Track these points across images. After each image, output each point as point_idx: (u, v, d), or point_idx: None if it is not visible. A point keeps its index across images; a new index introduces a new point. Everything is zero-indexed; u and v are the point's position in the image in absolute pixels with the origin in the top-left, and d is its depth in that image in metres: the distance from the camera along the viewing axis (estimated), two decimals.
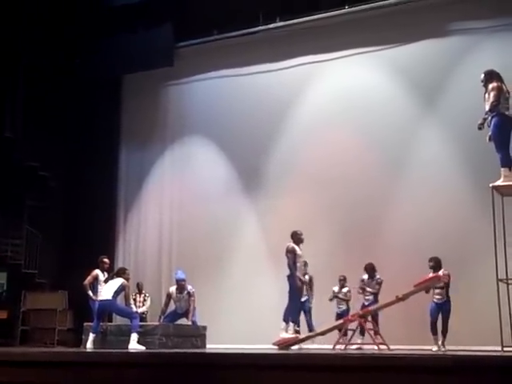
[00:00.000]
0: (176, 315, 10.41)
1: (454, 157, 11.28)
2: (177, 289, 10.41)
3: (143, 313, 12.37)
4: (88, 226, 13.68)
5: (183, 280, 10.38)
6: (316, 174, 12.18)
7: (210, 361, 4.33)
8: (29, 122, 13.42)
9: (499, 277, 7.73)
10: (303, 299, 10.13)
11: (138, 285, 12.63)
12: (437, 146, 11.45)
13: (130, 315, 9.58)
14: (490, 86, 7.88)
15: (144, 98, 14.18)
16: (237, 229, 12.90)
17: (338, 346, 9.45)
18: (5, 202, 13.46)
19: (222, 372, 4.04)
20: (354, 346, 9.71)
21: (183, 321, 10.46)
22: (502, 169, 7.79)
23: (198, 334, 10.13)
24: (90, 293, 10.37)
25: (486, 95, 7.93)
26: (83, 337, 9.75)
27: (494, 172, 9.77)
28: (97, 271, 10.57)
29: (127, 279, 9.85)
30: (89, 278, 10.43)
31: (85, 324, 9.97)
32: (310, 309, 10.56)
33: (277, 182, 12.66)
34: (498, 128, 7.73)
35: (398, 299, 9.30)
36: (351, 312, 10.37)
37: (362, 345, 9.94)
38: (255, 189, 12.87)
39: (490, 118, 7.78)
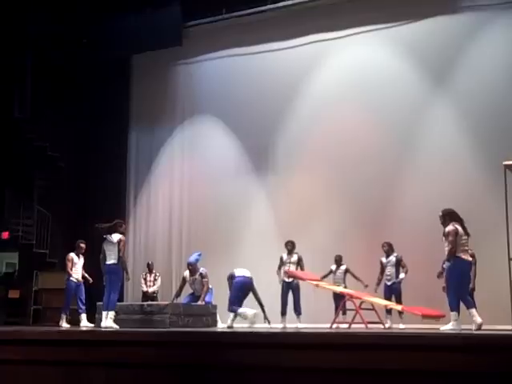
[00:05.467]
0: (195, 298, 10.42)
1: (465, 134, 11.21)
2: (189, 272, 10.47)
3: (154, 292, 12.46)
4: (98, 206, 13.70)
5: (190, 264, 10.41)
6: (326, 151, 12.15)
7: (220, 339, 4.35)
8: (38, 102, 13.45)
9: (511, 256, 7.71)
10: None
11: (148, 264, 12.70)
12: (448, 123, 11.37)
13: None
14: (446, 229, 7.37)
15: (153, 78, 14.14)
16: (246, 208, 12.90)
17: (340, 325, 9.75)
18: (15, 182, 13.52)
19: (232, 351, 4.06)
20: (387, 325, 9.71)
21: None
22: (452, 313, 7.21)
23: (208, 312, 10.19)
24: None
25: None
26: (96, 315, 9.81)
27: (506, 149, 9.73)
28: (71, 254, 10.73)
29: (123, 233, 9.30)
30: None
31: (97, 303, 10.01)
32: None
33: (286, 161, 12.64)
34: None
35: None
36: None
37: (373, 323, 9.91)
38: (265, 168, 12.85)
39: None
